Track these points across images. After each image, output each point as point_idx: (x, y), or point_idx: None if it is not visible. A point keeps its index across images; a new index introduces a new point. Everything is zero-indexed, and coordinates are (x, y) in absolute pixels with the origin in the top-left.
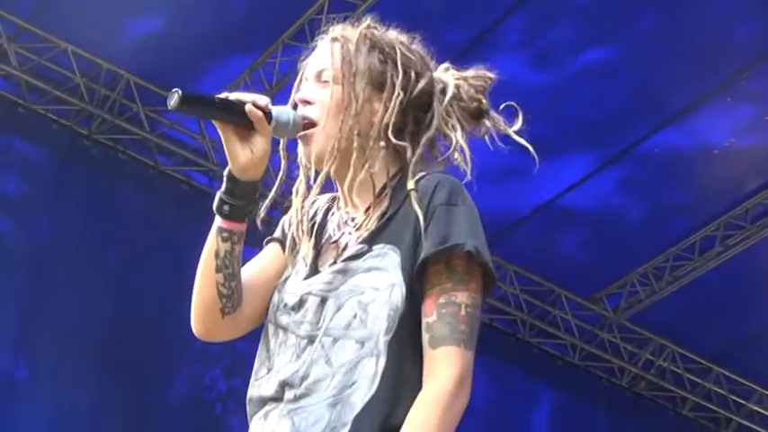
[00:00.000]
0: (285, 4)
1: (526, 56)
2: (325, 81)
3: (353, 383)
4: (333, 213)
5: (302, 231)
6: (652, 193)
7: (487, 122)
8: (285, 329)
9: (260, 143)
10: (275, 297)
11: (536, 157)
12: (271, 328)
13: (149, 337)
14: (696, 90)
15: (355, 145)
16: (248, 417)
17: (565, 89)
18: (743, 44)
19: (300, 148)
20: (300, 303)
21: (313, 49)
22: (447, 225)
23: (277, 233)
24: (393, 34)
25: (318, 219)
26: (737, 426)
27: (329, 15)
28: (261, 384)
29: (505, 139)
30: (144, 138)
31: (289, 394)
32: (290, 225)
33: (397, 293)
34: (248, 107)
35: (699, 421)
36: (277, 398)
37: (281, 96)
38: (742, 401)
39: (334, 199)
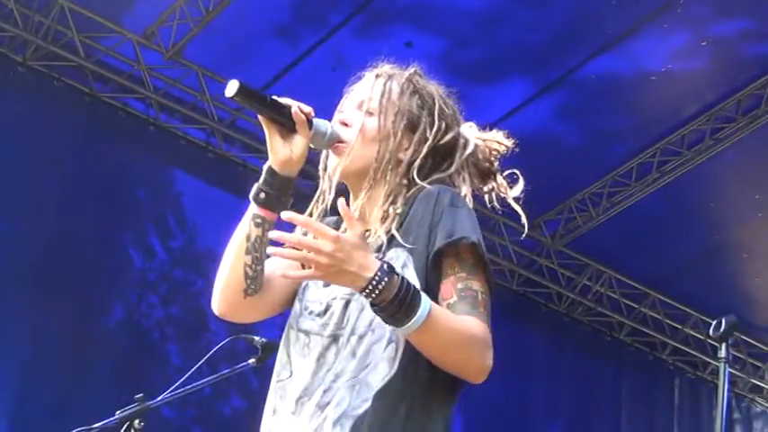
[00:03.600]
0: None
1: None
2: (367, 111)
3: (368, 365)
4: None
5: None
6: (589, 120)
7: (493, 184)
8: (308, 333)
9: (299, 144)
10: (296, 305)
11: (525, 221)
12: (292, 334)
13: (86, 265)
14: (632, 15)
15: (388, 178)
16: (271, 412)
17: (500, 14)
18: None
19: (330, 160)
20: (326, 309)
21: (358, 79)
22: (452, 223)
23: None
24: (434, 86)
25: None
26: (673, 349)
27: None
28: (285, 386)
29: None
30: (79, 64)
31: (318, 390)
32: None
33: None
34: (294, 109)
35: (635, 345)
36: (305, 395)
37: (215, 24)
38: (677, 326)
39: (339, 220)
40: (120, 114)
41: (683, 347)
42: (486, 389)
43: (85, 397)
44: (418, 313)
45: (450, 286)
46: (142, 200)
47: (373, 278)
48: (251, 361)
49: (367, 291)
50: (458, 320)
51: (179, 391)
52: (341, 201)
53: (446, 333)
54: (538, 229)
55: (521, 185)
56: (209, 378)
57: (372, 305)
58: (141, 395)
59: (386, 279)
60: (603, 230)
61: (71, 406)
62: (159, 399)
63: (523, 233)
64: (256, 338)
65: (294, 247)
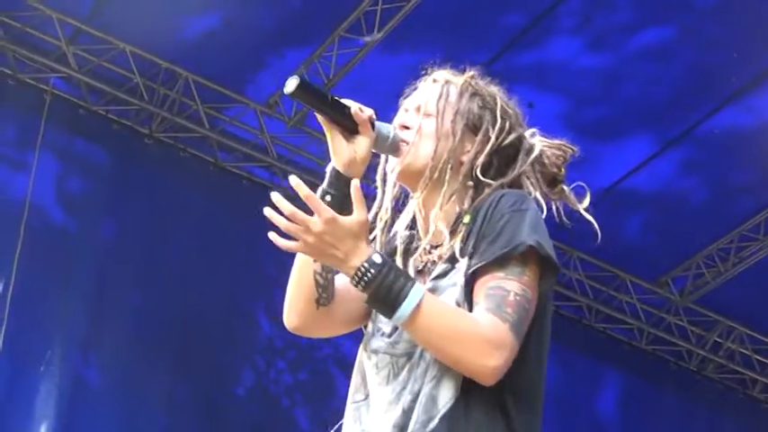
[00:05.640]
0: None
1: (583, 39)
2: (426, 114)
3: (434, 378)
4: (415, 245)
5: None
6: (714, 174)
7: (560, 192)
8: (376, 352)
9: (363, 144)
10: (370, 326)
11: (598, 231)
12: (364, 355)
13: (215, 334)
14: (755, 67)
15: (447, 177)
16: None
17: (622, 72)
18: None
19: (389, 164)
20: (396, 327)
21: (414, 88)
22: (511, 230)
23: None
24: (495, 88)
25: (400, 249)
26: None
27: (384, 7)
28: (360, 409)
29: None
30: (204, 135)
31: (397, 412)
32: None
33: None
34: (354, 110)
35: None
36: (384, 418)
37: (337, 89)
38: None
39: (412, 228)
40: (245, 183)
41: None
42: None
43: None
44: (402, 307)
45: (481, 286)
46: (268, 267)
47: (359, 268)
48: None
49: (354, 281)
50: (459, 315)
51: None
52: (354, 182)
53: (438, 326)
54: (666, 286)
55: (588, 197)
56: None
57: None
58: None
59: (372, 271)
60: (733, 286)
61: None
62: None
63: (650, 290)
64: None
65: (290, 219)
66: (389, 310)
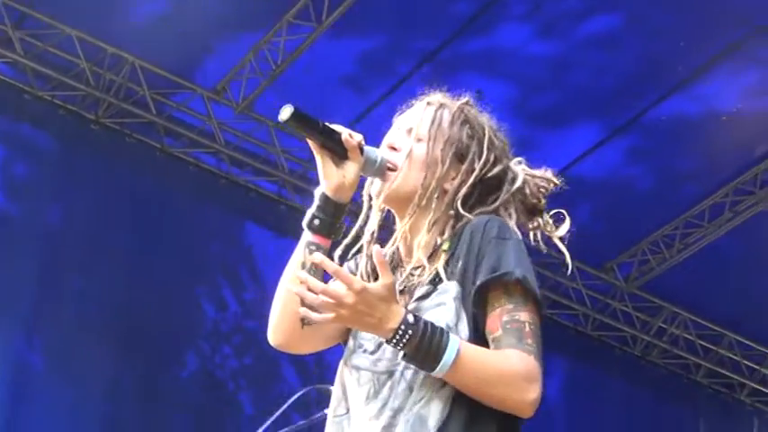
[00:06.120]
0: None
1: (531, 26)
2: (417, 138)
3: (422, 398)
4: (394, 263)
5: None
6: (660, 161)
7: (538, 221)
8: (358, 369)
9: (351, 170)
10: (351, 342)
11: (569, 262)
12: (345, 370)
13: (160, 319)
14: (702, 56)
15: (433, 206)
16: None
17: (570, 59)
18: (748, 8)
19: (374, 186)
20: (379, 345)
21: (408, 106)
22: (498, 257)
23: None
24: (486, 117)
25: None
26: (751, 390)
27: None
28: (342, 423)
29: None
30: (151, 120)
31: (376, 428)
32: (357, 267)
33: (463, 324)
34: (344, 136)
35: (713, 387)
36: (369, 430)
37: (285, 75)
38: (755, 366)
39: (393, 250)
40: (192, 169)
41: (761, 388)
42: None
43: None
44: (443, 359)
45: (497, 319)
46: (214, 253)
47: (397, 330)
48: (326, 411)
49: (393, 342)
50: (494, 358)
51: None
52: (376, 248)
53: (479, 372)
54: (611, 272)
55: (567, 225)
56: (284, 430)
57: (402, 354)
58: None
59: (410, 331)
60: (677, 272)
61: None
62: None
63: (595, 277)
64: (332, 388)
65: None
66: (431, 364)
